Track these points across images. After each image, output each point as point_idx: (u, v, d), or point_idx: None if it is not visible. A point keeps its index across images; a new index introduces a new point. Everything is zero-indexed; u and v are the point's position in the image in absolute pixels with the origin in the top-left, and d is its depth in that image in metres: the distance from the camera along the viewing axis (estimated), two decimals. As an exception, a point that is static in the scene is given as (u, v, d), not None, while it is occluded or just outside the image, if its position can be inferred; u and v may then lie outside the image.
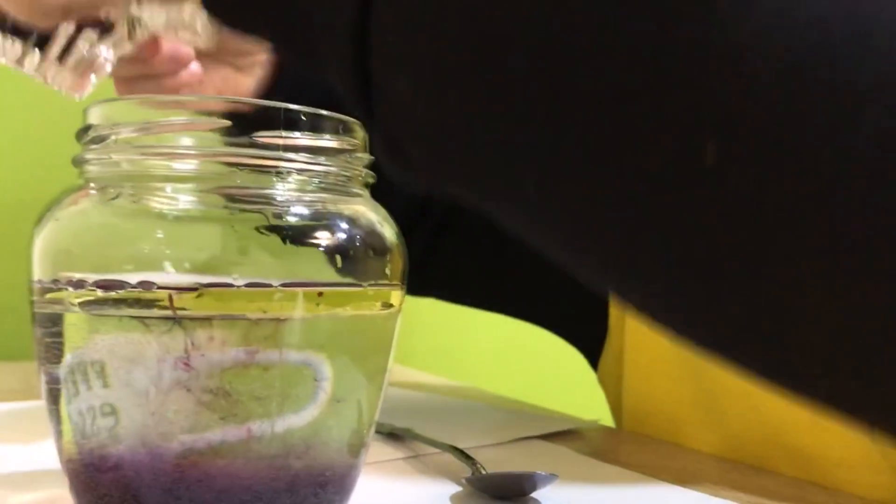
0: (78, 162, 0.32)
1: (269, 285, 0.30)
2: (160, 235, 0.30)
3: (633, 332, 0.61)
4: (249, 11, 0.29)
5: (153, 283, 0.28)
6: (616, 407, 0.64)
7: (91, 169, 0.31)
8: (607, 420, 0.59)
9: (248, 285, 0.29)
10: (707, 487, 0.44)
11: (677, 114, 0.20)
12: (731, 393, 0.53)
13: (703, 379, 0.54)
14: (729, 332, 0.22)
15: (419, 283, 0.72)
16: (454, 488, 0.41)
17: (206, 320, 0.29)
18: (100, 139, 0.31)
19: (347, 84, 0.26)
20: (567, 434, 0.54)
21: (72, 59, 0.39)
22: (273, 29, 0.29)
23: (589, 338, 0.66)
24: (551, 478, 0.39)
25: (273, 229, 0.30)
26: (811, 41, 0.19)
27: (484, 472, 0.41)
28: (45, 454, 0.41)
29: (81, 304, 0.29)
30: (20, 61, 0.39)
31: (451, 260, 0.69)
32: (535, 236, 0.25)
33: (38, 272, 0.30)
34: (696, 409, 0.55)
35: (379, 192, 0.67)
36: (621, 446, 0.53)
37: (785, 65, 0.19)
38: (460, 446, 0.45)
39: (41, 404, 0.32)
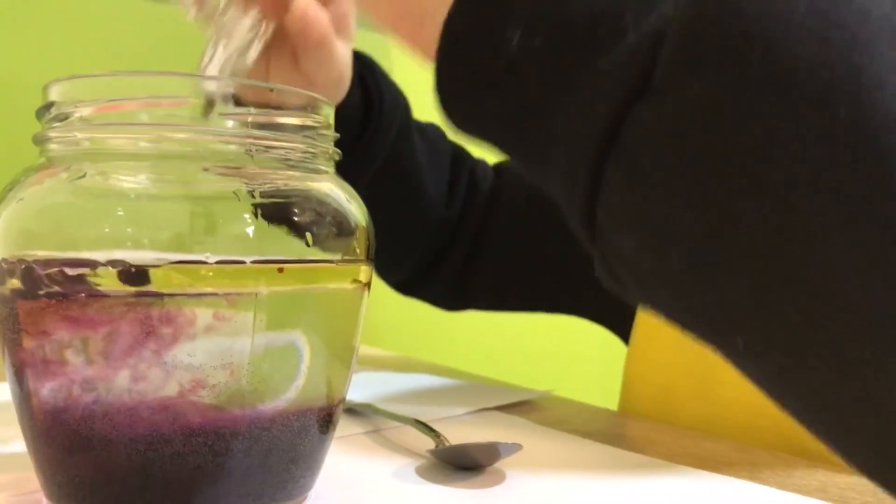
0: (39, 140, 0.31)
1: (239, 262, 0.30)
2: (129, 214, 0.29)
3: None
4: (487, 120, 0.30)
5: (124, 262, 0.28)
6: None
7: (54, 147, 0.31)
8: (562, 391, 0.61)
9: (217, 262, 0.29)
10: (660, 452, 0.45)
11: None
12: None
13: (705, 349, 0.56)
14: None
15: (459, 299, 0.74)
16: (419, 461, 0.41)
17: (177, 297, 0.29)
18: (63, 116, 0.30)
19: (572, 211, 0.28)
20: (523, 405, 0.56)
21: None
22: (509, 141, 0.30)
23: (626, 319, 0.68)
24: (514, 447, 0.40)
25: (241, 206, 0.30)
26: None
27: (448, 444, 0.41)
28: (9, 436, 0.40)
29: (49, 284, 0.29)
30: None
31: (489, 273, 0.70)
32: (751, 380, 0.28)
33: (2, 251, 0.30)
34: (689, 378, 0.57)
35: (410, 214, 0.67)
36: (577, 416, 0.54)
37: None
38: (421, 420, 0.45)
39: (4, 386, 0.32)
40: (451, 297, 0.74)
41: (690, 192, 0.24)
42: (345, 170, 0.61)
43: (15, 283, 0.30)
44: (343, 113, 0.59)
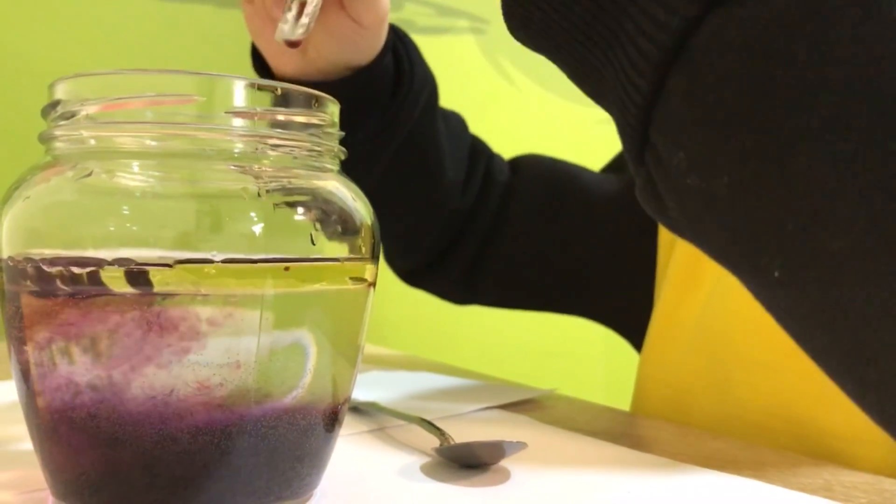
0: (45, 138, 0.31)
1: (244, 261, 0.30)
2: (135, 213, 0.29)
3: (660, 303, 0.62)
4: (553, 42, 0.30)
5: (130, 260, 0.28)
6: None
7: (60, 145, 0.31)
8: (566, 390, 0.61)
9: (224, 261, 0.29)
10: (665, 451, 0.45)
11: None
12: (746, 363, 0.55)
13: (719, 348, 0.56)
14: None
15: (467, 293, 0.74)
16: (424, 459, 0.41)
17: (183, 295, 0.29)
18: (68, 115, 0.30)
19: (625, 123, 0.28)
20: (527, 404, 0.56)
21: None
22: (570, 48, 0.30)
23: (634, 323, 0.68)
24: (519, 445, 0.40)
25: (247, 205, 0.30)
26: None
27: (452, 442, 0.41)
28: (15, 434, 0.41)
29: (55, 282, 0.29)
30: None
31: (498, 268, 0.70)
32: (773, 312, 0.27)
33: (8, 250, 0.30)
34: (703, 378, 0.57)
35: (427, 195, 0.68)
36: (581, 414, 0.54)
37: None
38: (426, 418, 0.45)
39: (10, 384, 0.32)
40: (459, 290, 0.73)
41: (753, 109, 0.24)
42: (370, 139, 0.61)
43: (21, 281, 0.30)
44: (374, 73, 0.59)
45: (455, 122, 0.69)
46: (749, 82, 0.24)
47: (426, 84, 0.64)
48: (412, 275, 0.73)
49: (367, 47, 0.58)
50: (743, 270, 0.27)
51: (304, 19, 0.44)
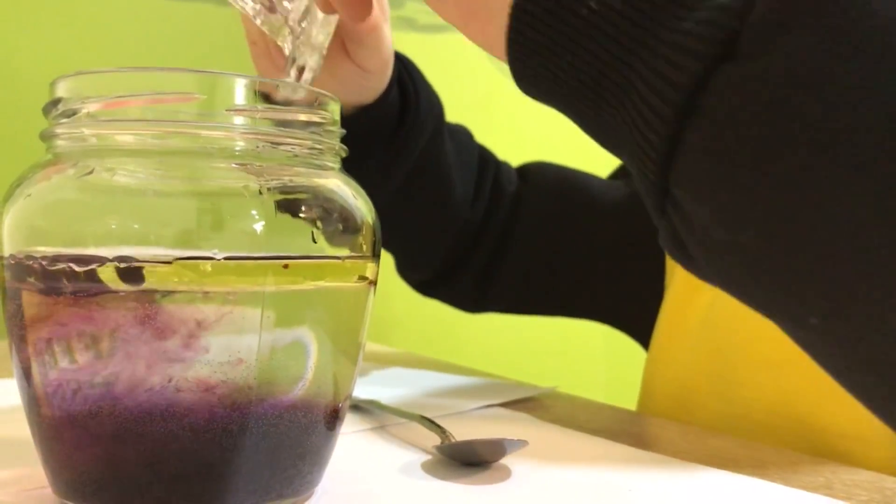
0: (46, 136, 0.31)
1: (245, 258, 0.30)
2: (136, 211, 0.29)
3: (667, 302, 0.62)
4: (564, 100, 0.30)
5: (131, 258, 0.28)
6: None
7: (61, 143, 0.31)
8: (566, 388, 0.61)
9: (225, 259, 0.29)
10: (666, 448, 0.45)
11: None
12: (751, 362, 0.55)
13: (725, 347, 0.56)
14: None
15: (479, 301, 0.74)
16: (425, 457, 0.41)
17: (185, 293, 0.29)
18: (70, 113, 0.30)
19: (643, 179, 0.28)
20: (528, 402, 0.56)
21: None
22: (581, 104, 0.30)
23: (643, 323, 0.68)
24: (520, 443, 0.40)
25: (248, 202, 0.30)
26: None
27: (453, 440, 0.41)
28: (16, 431, 0.41)
29: (57, 279, 0.29)
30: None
31: (510, 276, 0.71)
32: (810, 353, 0.27)
33: (9, 248, 0.30)
34: (709, 377, 0.57)
35: (438, 214, 0.68)
36: (581, 412, 0.54)
37: None
38: (427, 416, 0.45)
39: (12, 382, 0.32)
40: (471, 298, 0.74)
41: (776, 161, 0.23)
42: (378, 168, 0.61)
43: (22, 279, 0.30)
44: (380, 110, 0.59)
45: (462, 137, 0.70)
46: (768, 138, 0.24)
47: (432, 110, 0.64)
48: (424, 285, 0.73)
49: (373, 89, 0.59)
50: (777, 317, 0.27)
51: (305, 81, 0.45)
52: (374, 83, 0.58)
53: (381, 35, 0.56)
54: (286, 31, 0.44)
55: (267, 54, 0.56)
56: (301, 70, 0.44)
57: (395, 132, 0.61)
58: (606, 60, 0.27)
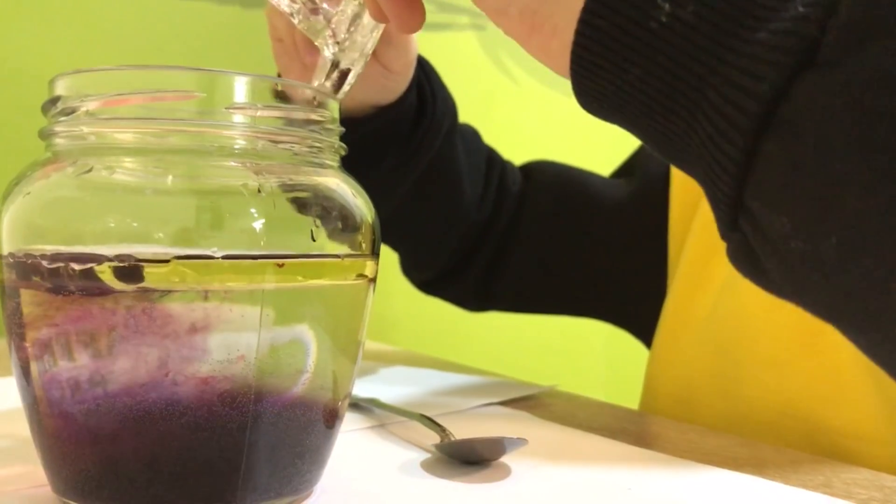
0: (45, 134, 0.31)
1: (245, 257, 0.30)
2: (135, 209, 0.29)
3: (670, 300, 0.62)
4: (630, 116, 0.30)
5: (130, 256, 0.28)
6: None
7: (60, 141, 0.31)
8: (566, 386, 0.61)
9: (224, 257, 0.29)
10: (665, 447, 0.45)
11: None
12: (755, 360, 0.55)
13: (728, 346, 0.56)
14: None
15: (482, 300, 0.74)
16: (424, 455, 0.41)
17: (184, 291, 0.29)
18: (69, 111, 0.30)
19: (715, 192, 0.27)
20: (528, 400, 0.56)
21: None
22: (648, 121, 0.29)
23: (645, 322, 0.68)
24: (520, 442, 0.40)
25: (248, 201, 0.30)
26: None
27: (453, 439, 0.41)
28: (16, 430, 0.41)
29: (56, 278, 0.29)
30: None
31: (513, 275, 0.71)
32: (888, 369, 0.27)
33: (8, 246, 0.30)
34: (712, 376, 0.57)
35: (447, 215, 0.68)
36: (581, 411, 0.54)
37: None
38: (426, 414, 0.45)
39: (11, 381, 0.32)
40: (474, 297, 0.74)
41: (860, 170, 0.23)
42: (393, 169, 0.61)
43: (21, 277, 0.30)
44: (398, 111, 0.59)
45: (471, 138, 0.70)
46: (854, 144, 0.23)
47: (447, 113, 0.64)
48: (428, 285, 0.74)
49: (394, 89, 0.59)
50: (855, 329, 0.26)
51: (346, 87, 0.44)
52: (396, 84, 0.58)
53: (410, 37, 0.57)
54: (327, 33, 0.44)
55: (291, 52, 0.56)
56: (344, 74, 0.44)
57: (412, 133, 0.61)
58: (678, 73, 0.27)
